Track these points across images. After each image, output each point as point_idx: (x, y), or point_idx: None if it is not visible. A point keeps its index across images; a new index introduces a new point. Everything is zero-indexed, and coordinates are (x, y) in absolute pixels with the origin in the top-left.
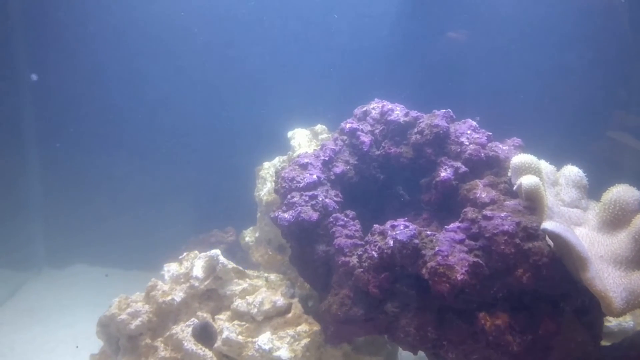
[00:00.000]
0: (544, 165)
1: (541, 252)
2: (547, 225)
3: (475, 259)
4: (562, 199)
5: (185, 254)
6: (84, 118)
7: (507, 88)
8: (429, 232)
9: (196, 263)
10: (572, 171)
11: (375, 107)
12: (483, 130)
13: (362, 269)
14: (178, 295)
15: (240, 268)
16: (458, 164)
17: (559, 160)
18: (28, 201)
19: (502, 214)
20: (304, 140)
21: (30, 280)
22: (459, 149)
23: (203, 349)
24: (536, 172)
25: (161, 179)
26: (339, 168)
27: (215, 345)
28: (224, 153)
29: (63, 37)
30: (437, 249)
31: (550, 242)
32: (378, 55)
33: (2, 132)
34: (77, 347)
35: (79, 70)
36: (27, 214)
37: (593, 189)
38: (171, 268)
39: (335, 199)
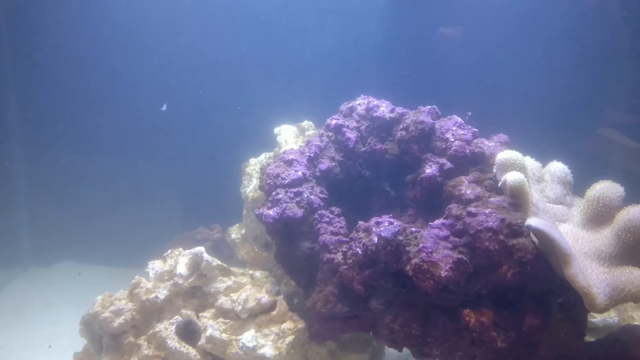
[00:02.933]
0: (529, 162)
1: (525, 248)
2: (532, 221)
3: (460, 256)
4: (547, 195)
5: (169, 251)
6: (70, 115)
7: (496, 84)
8: (413, 229)
9: (180, 260)
10: (558, 167)
11: (361, 103)
12: (469, 126)
13: (346, 266)
14: (162, 293)
15: (225, 265)
16: (443, 160)
17: (547, 157)
18: (13, 198)
19: (487, 211)
20: (291, 137)
21: (16, 278)
22: (444, 146)
23: (187, 347)
24: (521, 168)
25: (147, 176)
26: (325, 164)
27: (199, 343)
28: (211, 150)
29: (48, 34)
30: (421, 245)
31: (535, 239)
32: (366, 50)
33: None
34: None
35: (64, 67)
36: (12, 211)
37: (582, 186)
38: (155, 265)
39: (321, 195)
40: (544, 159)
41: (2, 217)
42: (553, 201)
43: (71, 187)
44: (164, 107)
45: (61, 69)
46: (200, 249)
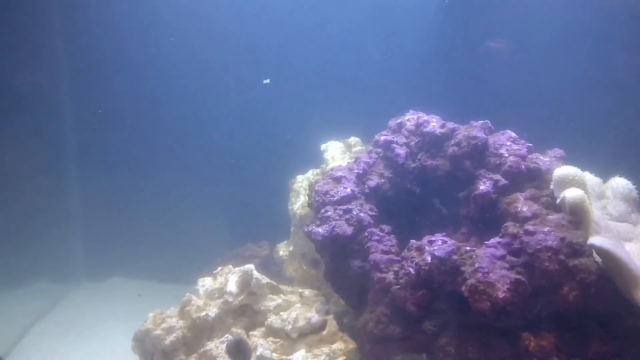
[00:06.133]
0: (589, 177)
1: (588, 269)
2: (595, 240)
3: (518, 276)
4: (610, 212)
5: (219, 268)
6: (123, 136)
7: (551, 99)
8: (468, 248)
9: (230, 278)
10: (620, 183)
11: (410, 118)
12: (523, 141)
13: (398, 286)
14: (212, 310)
15: (274, 283)
16: (497, 176)
17: (608, 174)
18: (68, 215)
19: (545, 229)
20: (337, 153)
21: (70, 293)
22: (498, 161)
23: None
24: (580, 184)
25: (197, 194)
26: (374, 181)
27: None
28: (259, 167)
29: (104, 59)
30: (477, 265)
31: (598, 259)
32: (414, 65)
33: (44, 149)
34: None
35: (119, 89)
36: (67, 228)
37: None
38: (205, 283)
39: (370, 213)
40: (605, 175)
41: (57, 233)
42: (616, 219)
43: (123, 205)
44: (267, 81)
45: (118, 92)
46: (250, 266)
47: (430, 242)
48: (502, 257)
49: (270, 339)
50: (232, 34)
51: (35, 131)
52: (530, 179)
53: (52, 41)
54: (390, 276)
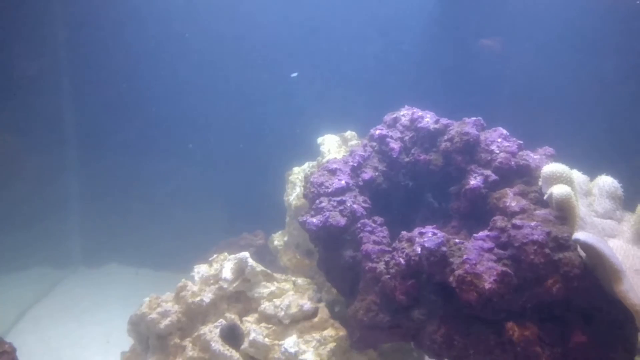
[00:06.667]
0: (576, 175)
1: (572, 263)
2: (579, 235)
3: (504, 268)
4: (595, 209)
5: (215, 255)
6: (122, 122)
7: (544, 97)
8: (457, 240)
9: (225, 265)
10: (607, 181)
11: (405, 114)
12: (514, 138)
13: (389, 276)
14: (207, 296)
15: (269, 271)
16: (488, 172)
17: (595, 172)
18: (66, 202)
19: (532, 223)
20: (334, 146)
21: (67, 278)
22: (489, 157)
23: (230, 350)
24: (568, 181)
25: (193, 183)
26: (368, 174)
27: (242, 346)
28: (255, 158)
29: (104, 44)
30: (465, 257)
31: (582, 253)
32: (410, 61)
33: (43, 135)
34: (107, 342)
35: (119, 75)
36: (65, 214)
37: (633, 200)
38: (201, 269)
39: (364, 204)
40: (592, 173)
41: (55, 219)
42: (602, 216)
43: (121, 193)
44: (295, 74)
45: (117, 78)
46: (245, 254)
47: (421, 234)
48: (489, 250)
49: (263, 324)
50: (230, 27)
51: (34, 118)
52: (520, 175)
53: (54, 26)
54: (381, 266)
